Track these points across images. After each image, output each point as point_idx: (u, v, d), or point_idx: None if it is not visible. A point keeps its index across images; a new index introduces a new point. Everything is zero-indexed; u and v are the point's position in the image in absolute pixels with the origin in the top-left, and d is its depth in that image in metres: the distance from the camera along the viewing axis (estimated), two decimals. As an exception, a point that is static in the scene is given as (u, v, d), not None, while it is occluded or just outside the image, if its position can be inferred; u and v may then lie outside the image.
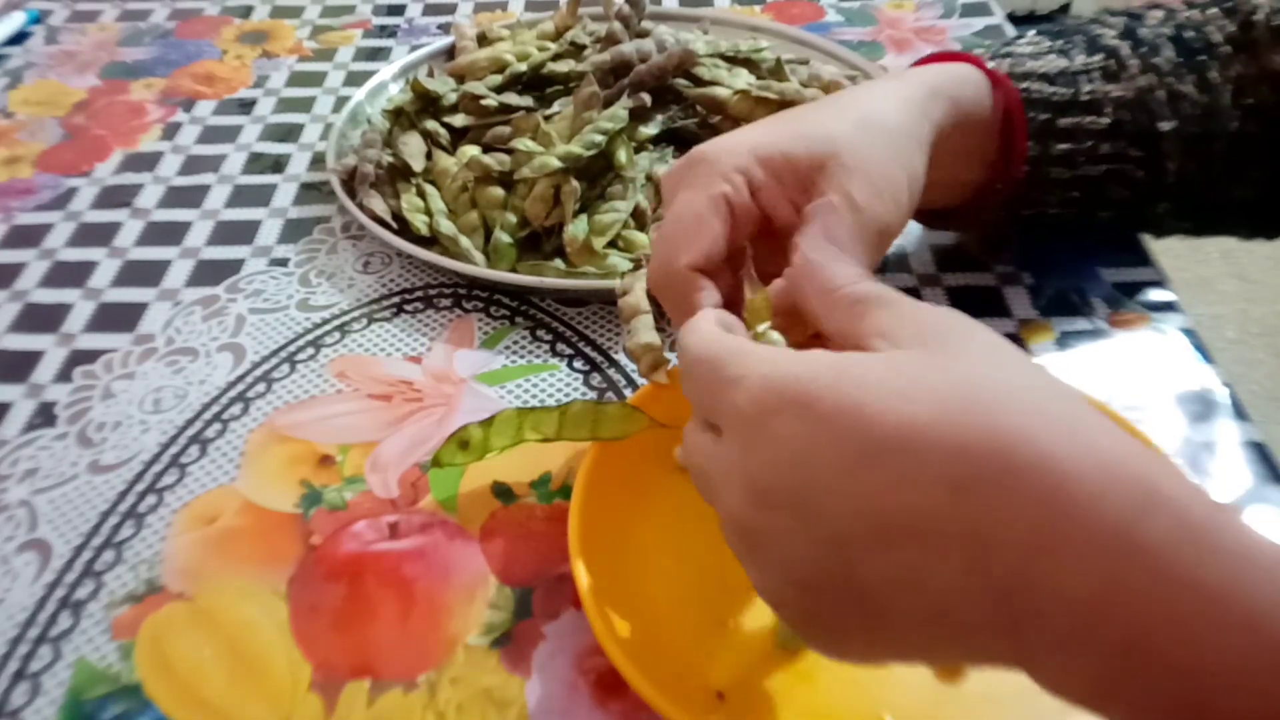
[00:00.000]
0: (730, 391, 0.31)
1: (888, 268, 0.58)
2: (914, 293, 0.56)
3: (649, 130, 0.61)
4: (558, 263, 0.56)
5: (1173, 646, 0.24)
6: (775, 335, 0.36)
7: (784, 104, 0.64)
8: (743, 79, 0.65)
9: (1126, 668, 0.25)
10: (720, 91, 0.63)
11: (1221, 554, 0.24)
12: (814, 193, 0.40)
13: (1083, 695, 0.26)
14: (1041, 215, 0.53)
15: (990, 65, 0.49)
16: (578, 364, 0.53)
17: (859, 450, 0.28)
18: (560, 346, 0.54)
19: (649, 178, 0.59)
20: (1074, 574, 0.25)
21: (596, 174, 0.59)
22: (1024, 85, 0.49)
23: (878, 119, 0.42)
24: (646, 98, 0.62)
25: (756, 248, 0.40)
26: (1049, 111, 0.49)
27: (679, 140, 0.63)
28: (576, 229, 0.56)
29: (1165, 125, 0.49)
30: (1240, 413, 0.49)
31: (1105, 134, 0.49)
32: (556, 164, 0.57)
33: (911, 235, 0.60)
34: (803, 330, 0.37)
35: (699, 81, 0.64)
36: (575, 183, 0.57)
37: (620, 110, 0.60)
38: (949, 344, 0.30)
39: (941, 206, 0.53)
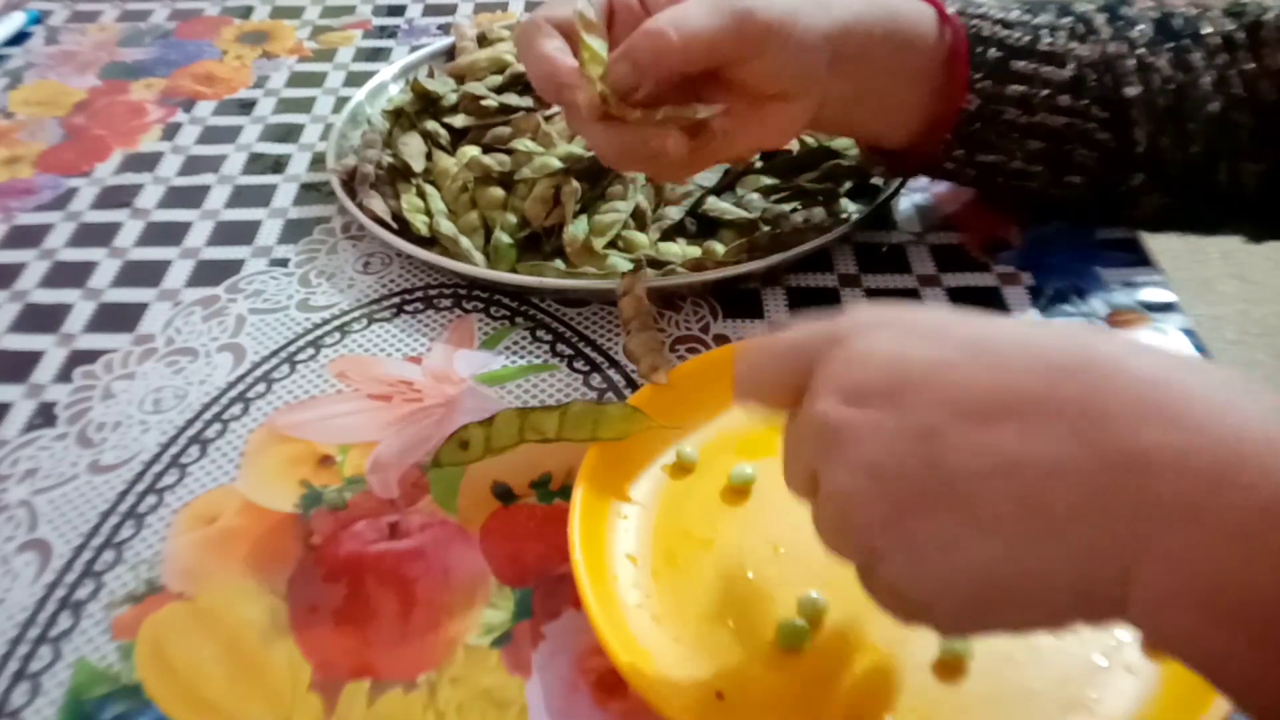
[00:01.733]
0: (826, 326, 0.32)
1: (888, 268, 0.58)
2: (914, 293, 0.56)
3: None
4: (558, 263, 0.56)
5: None
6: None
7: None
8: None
9: (1253, 550, 0.23)
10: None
11: None
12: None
13: (1200, 600, 0.24)
14: (1007, 170, 0.53)
15: (943, 4, 0.49)
16: (578, 364, 0.53)
17: (956, 347, 0.29)
18: (560, 347, 0.54)
19: (648, 179, 0.59)
20: (1192, 434, 0.24)
21: (597, 174, 0.59)
22: (973, 22, 0.49)
23: (810, 17, 0.45)
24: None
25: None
26: (1001, 51, 0.49)
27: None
28: (576, 229, 0.56)
29: (1131, 91, 0.49)
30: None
31: (1066, 87, 0.49)
32: (557, 164, 0.57)
33: (912, 235, 0.60)
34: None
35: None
36: (575, 183, 0.57)
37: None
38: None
39: (898, 145, 0.53)
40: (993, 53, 0.49)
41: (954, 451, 0.27)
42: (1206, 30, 0.50)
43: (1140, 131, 0.50)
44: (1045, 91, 0.49)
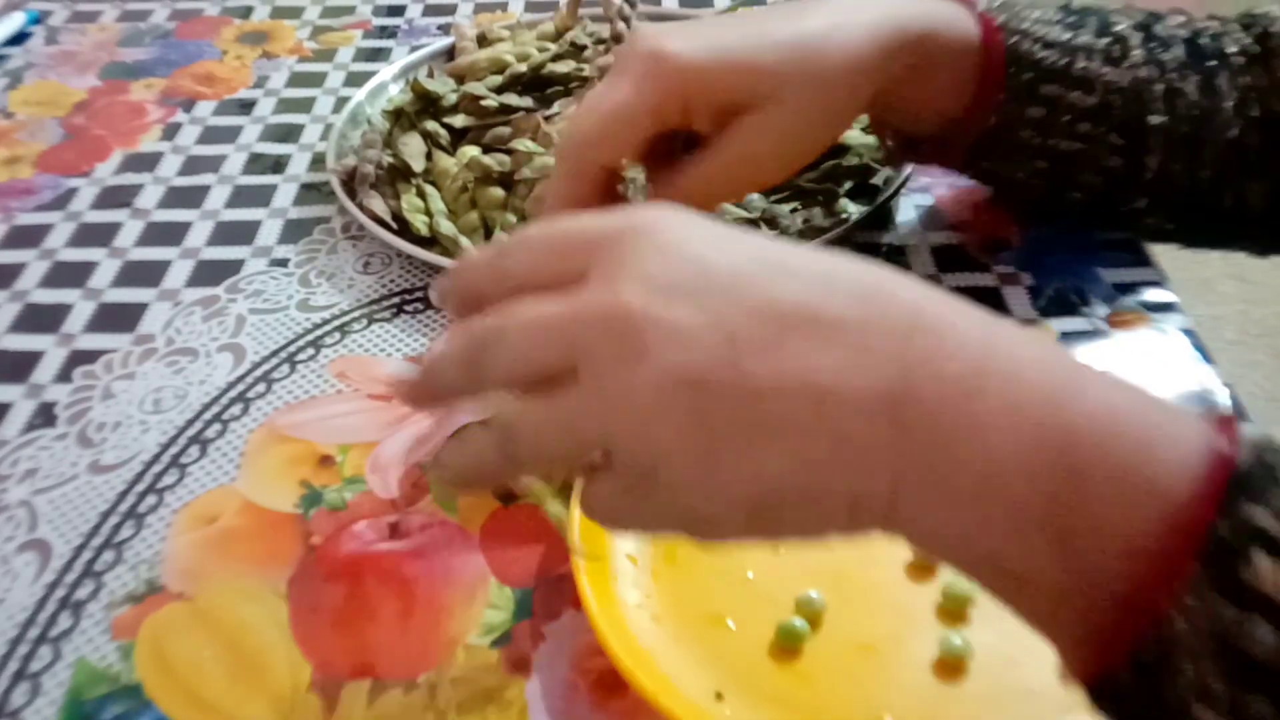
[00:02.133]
0: (641, 216, 0.30)
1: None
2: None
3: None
4: None
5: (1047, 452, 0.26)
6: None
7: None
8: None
9: (1002, 471, 0.26)
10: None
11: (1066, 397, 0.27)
12: (731, 119, 0.43)
13: (969, 495, 0.27)
14: (1006, 179, 0.53)
15: (984, 10, 0.49)
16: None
17: (756, 261, 0.29)
18: (560, 347, 0.54)
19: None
20: (953, 351, 0.27)
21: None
22: (1013, 41, 0.49)
23: (826, 54, 0.44)
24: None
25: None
26: (1033, 73, 0.49)
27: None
28: None
29: (1155, 119, 0.49)
30: (1240, 413, 0.49)
31: (1088, 114, 0.49)
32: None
33: (912, 235, 0.60)
34: None
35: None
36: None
37: None
38: None
39: (913, 134, 0.53)
40: (1026, 75, 0.49)
41: (756, 361, 0.27)
42: (1231, 50, 0.50)
43: (1153, 159, 0.50)
44: (1066, 118, 0.49)
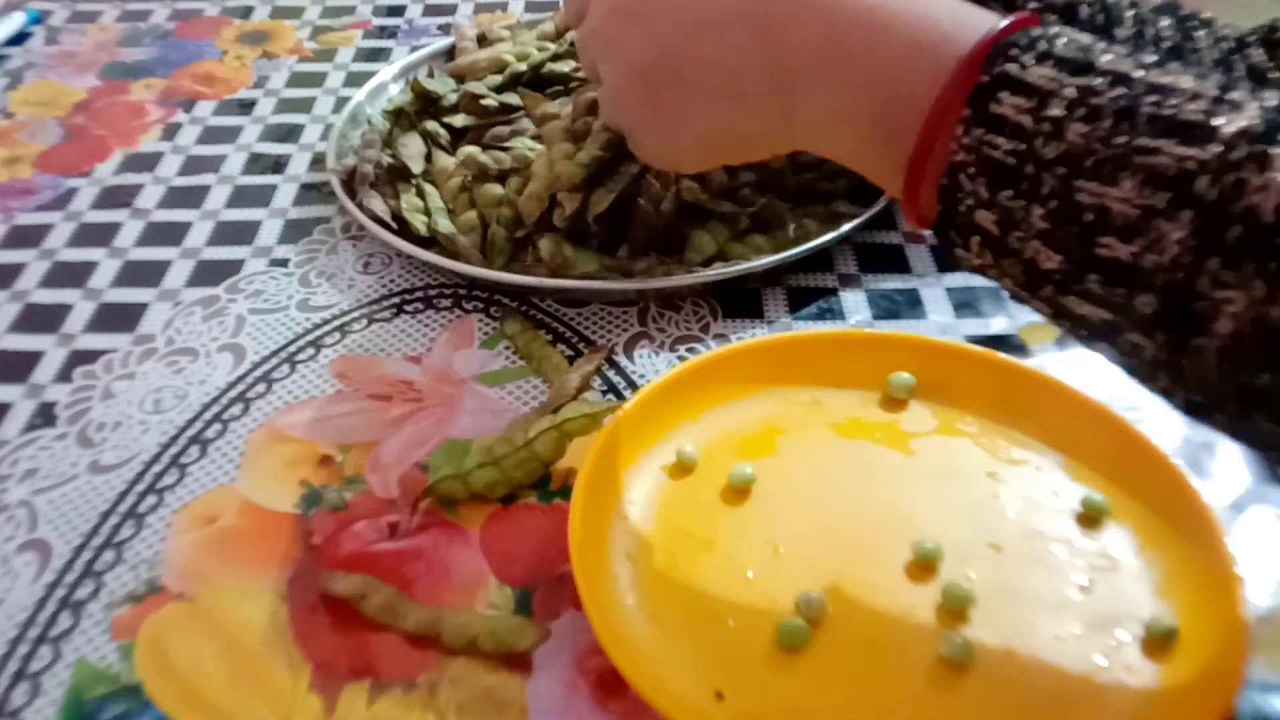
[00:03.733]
0: None
1: (887, 268, 0.58)
2: (912, 293, 0.56)
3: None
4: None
5: (864, 57, 0.36)
6: None
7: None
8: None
9: (847, 86, 0.37)
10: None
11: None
12: None
13: (828, 116, 0.38)
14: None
15: None
16: (578, 364, 0.52)
17: None
18: (560, 347, 0.54)
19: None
20: (810, 30, 0.38)
21: (595, 180, 0.59)
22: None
23: None
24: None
25: None
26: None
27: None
28: (551, 242, 0.56)
29: (1127, 14, 0.49)
30: (1240, 413, 0.49)
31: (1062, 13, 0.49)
32: (583, 172, 0.57)
33: (912, 235, 0.60)
34: None
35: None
36: (575, 204, 0.57)
37: None
38: None
39: None
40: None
41: (681, 52, 0.42)
42: (1219, 24, 0.50)
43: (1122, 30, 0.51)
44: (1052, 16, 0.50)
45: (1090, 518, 0.43)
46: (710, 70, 0.41)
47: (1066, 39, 0.32)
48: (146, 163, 0.69)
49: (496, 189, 0.60)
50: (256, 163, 0.69)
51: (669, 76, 0.42)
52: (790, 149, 0.42)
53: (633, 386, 0.51)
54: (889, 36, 0.36)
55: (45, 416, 0.51)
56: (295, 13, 0.87)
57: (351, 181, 0.62)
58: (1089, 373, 0.51)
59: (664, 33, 0.42)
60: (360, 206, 0.60)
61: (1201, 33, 0.49)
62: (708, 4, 0.40)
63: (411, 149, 0.63)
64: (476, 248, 0.57)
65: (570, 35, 0.71)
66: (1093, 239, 0.30)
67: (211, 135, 0.72)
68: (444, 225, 0.58)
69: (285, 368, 0.53)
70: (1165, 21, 0.49)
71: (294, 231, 0.62)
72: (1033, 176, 0.31)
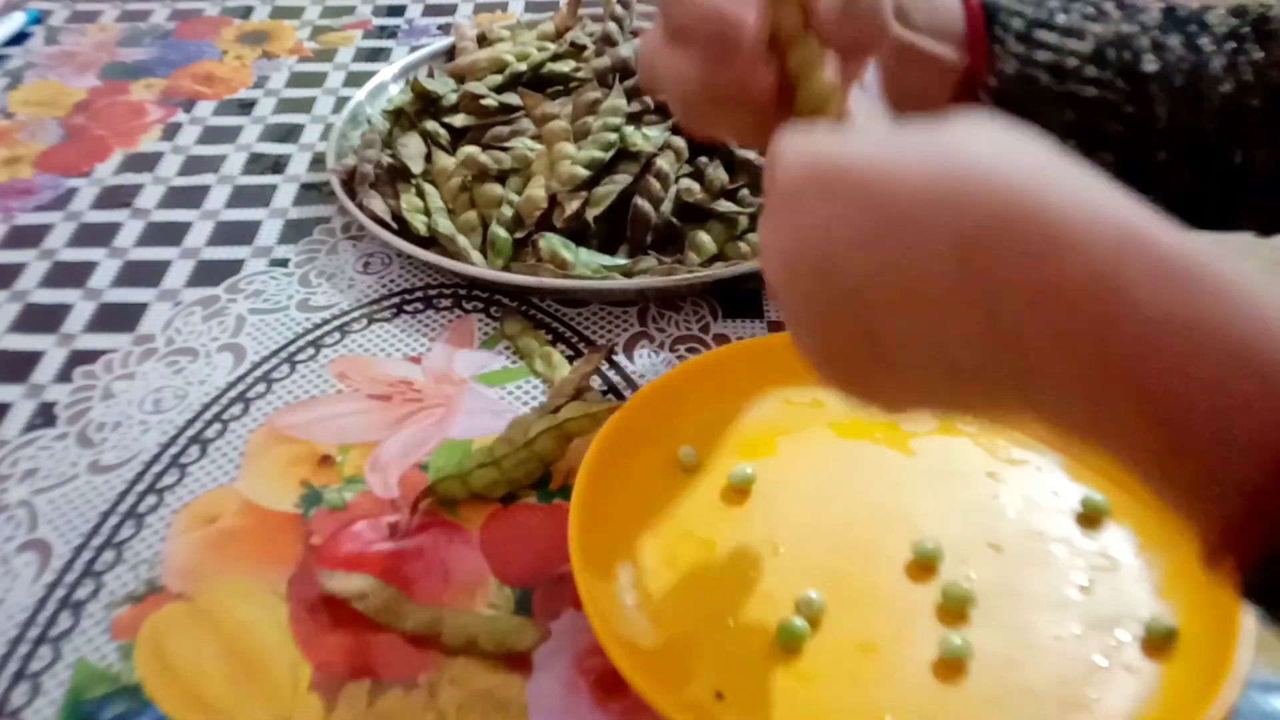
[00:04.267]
0: (776, 170, 0.33)
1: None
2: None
3: (653, 133, 0.60)
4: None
5: (1156, 377, 0.26)
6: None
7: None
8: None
9: (1114, 399, 0.27)
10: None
11: (1199, 292, 0.27)
12: None
13: (1081, 428, 0.29)
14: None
15: None
16: (578, 365, 0.52)
17: (875, 219, 0.30)
18: (560, 347, 0.54)
19: (667, 144, 0.60)
20: (1068, 319, 0.27)
21: (599, 170, 0.59)
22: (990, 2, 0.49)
23: None
24: (650, 101, 0.62)
25: None
26: (1023, 21, 0.49)
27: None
28: (551, 241, 0.56)
29: (1150, 66, 0.49)
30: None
31: (1090, 59, 0.49)
32: (583, 173, 0.57)
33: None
34: None
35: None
36: (575, 204, 0.57)
37: (618, 100, 0.60)
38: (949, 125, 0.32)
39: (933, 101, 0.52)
40: (1016, 21, 0.49)
41: (882, 324, 0.30)
42: (1212, 21, 0.51)
43: (1160, 108, 0.50)
44: (1073, 62, 0.50)
45: (1090, 518, 0.43)
46: (920, 349, 0.30)
47: None
48: (146, 163, 0.69)
49: (496, 189, 0.60)
50: (256, 163, 0.69)
51: (865, 349, 0.31)
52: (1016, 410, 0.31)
53: (633, 386, 0.51)
54: (1199, 346, 0.26)
55: (45, 416, 0.51)
56: (295, 13, 0.87)
57: (351, 181, 0.62)
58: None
59: (851, 297, 0.31)
60: (360, 206, 0.59)
61: None
62: (907, 270, 0.30)
63: (411, 149, 0.63)
64: (476, 248, 0.57)
65: (570, 35, 0.71)
66: None
67: (211, 135, 0.72)
68: (444, 225, 0.58)
69: (285, 368, 0.53)
70: None
71: (294, 231, 0.62)
72: None
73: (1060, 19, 0.50)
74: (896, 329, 0.30)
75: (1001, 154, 0.30)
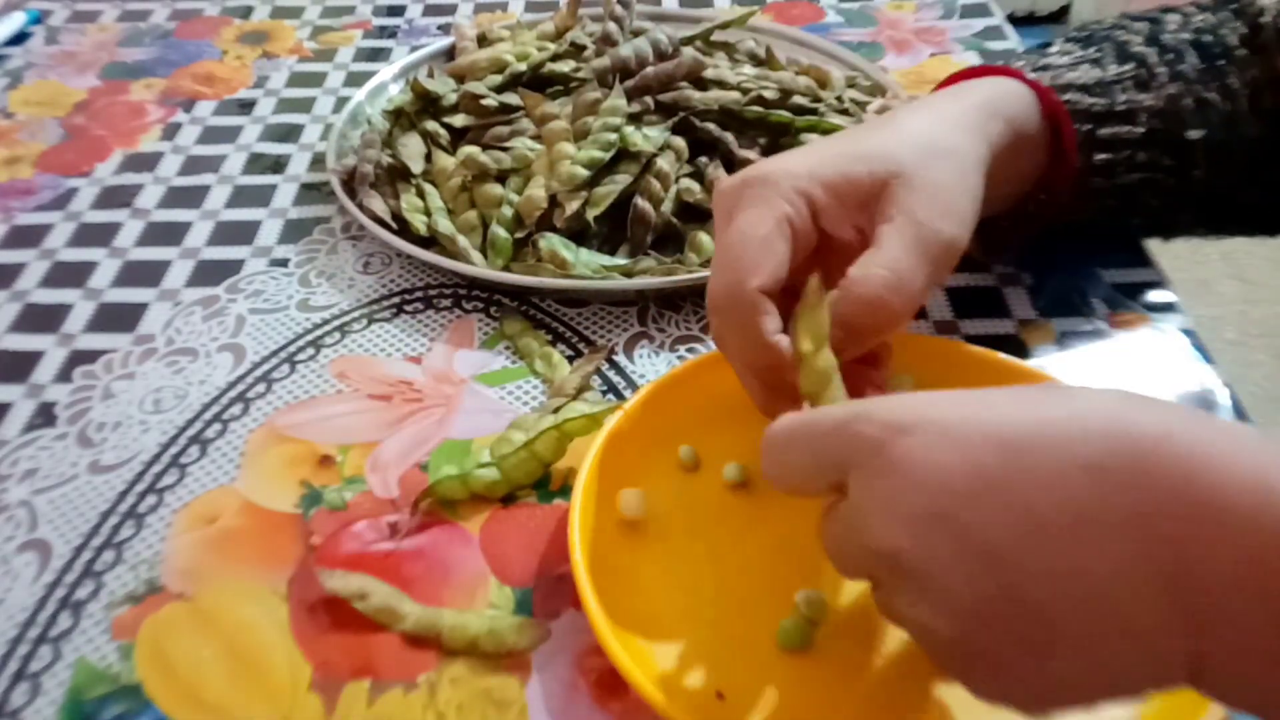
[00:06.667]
0: (855, 428, 0.31)
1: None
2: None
3: (653, 133, 0.61)
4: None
5: None
6: (832, 357, 0.36)
7: (785, 93, 0.65)
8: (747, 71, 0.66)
9: None
10: (727, 95, 0.63)
11: None
12: (875, 214, 0.40)
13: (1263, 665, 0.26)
14: (1076, 223, 0.53)
15: (1031, 77, 0.48)
16: (578, 364, 0.52)
17: (994, 454, 0.29)
18: (560, 347, 0.54)
19: (667, 144, 0.60)
20: (1232, 545, 0.26)
21: (599, 170, 0.59)
22: (1066, 97, 0.48)
23: (939, 142, 0.42)
24: (650, 101, 0.62)
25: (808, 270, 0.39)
26: (1090, 122, 0.49)
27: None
28: (551, 242, 0.56)
29: (1194, 134, 0.49)
30: (1240, 413, 0.49)
31: (1140, 143, 0.49)
32: (583, 173, 0.57)
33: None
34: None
35: (702, 82, 0.64)
36: (576, 204, 0.57)
37: (618, 100, 0.60)
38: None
39: (992, 214, 0.51)
40: (1084, 127, 0.49)
41: (1023, 575, 0.28)
42: (1232, 43, 0.51)
43: (1198, 171, 0.51)
44: (1125, 153, 0.49)
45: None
46: (1070, 597, 0.28)
47: None
48: (146, 163, 0.69)
49: (496, 189, 0.60)
50: (256, 163, 0.69)
51: (1010, 618, 0.28)
52: (1180, 687, 0.29)
53: (633, 386, 0.51)
54: None
55: (45, 416, 0.51)
56: (295, 13, 0.87)
57: (351, 181, 0.62)
58: (1089, 373, 0.51)
59: (985, 552, 0.28)
60: (360, 206, 0.60)
61: None
62: (1037, 502, 0.28)
63: (411, 149, 0.63)
64: (476, 248, 0.57)
65: (570, 35, 0.71)
66: None
67: (211, 135, 0.72)
68: (444, 225, 0.58)
69: (285, 368, 0.53)
70: None
71: (294, 231, 0.62)
72: None
73: (1121, 101, 0.49)
74: (1039, 578, 0.28)
75: (1117, 398, 0.29)
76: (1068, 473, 0.28)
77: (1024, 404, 0.30)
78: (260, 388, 0.52)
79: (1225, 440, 0.27)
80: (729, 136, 0.61)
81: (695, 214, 0.59)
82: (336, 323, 0.56)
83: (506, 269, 0.57)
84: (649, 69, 0.63)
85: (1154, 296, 0.55)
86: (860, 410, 0.32)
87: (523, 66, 0.67)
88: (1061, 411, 0.29)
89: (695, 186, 0.59)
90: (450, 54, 0.74)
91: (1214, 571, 0.26)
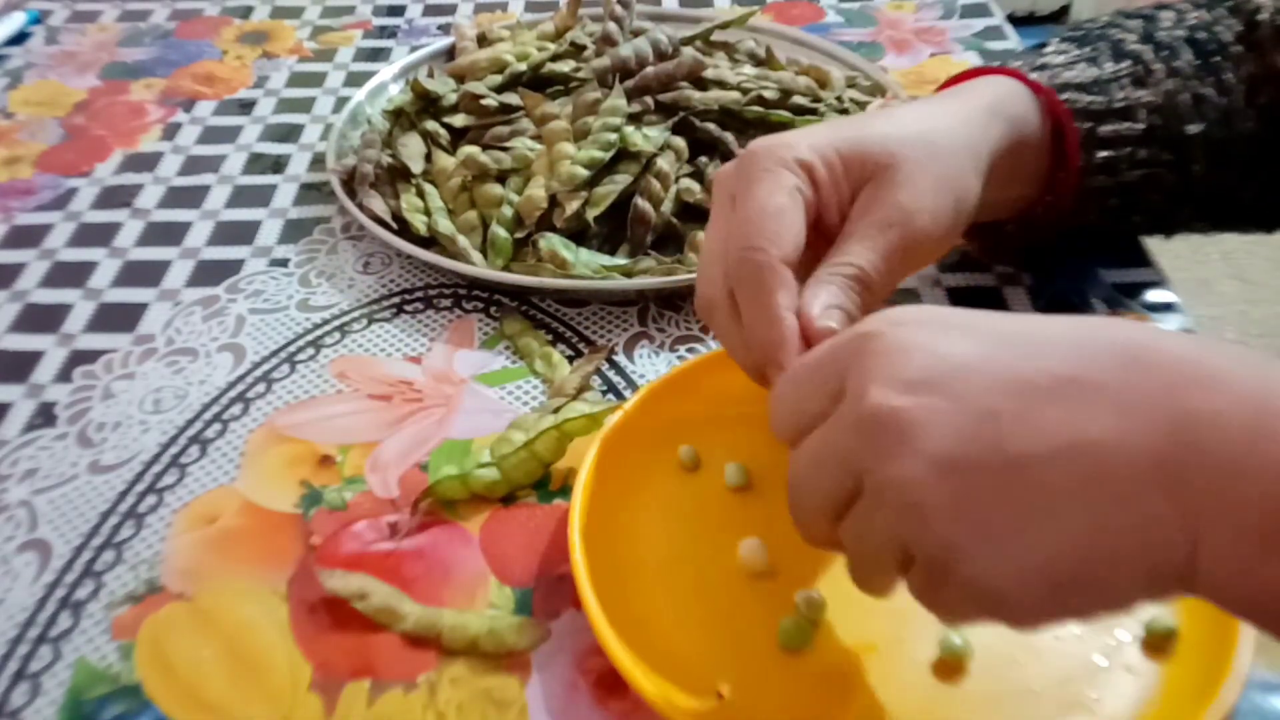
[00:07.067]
0: (854, 330, 0.32)
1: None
2: (913, 294, 0.56)
3: (653, 133, 0.61)
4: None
5: None
6: None
7: (785, 93, 0.65)
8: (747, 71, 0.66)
9: None
10: (727, 95, 0.63)
11: None
12: (861, 198, 0.40)
13: (1253, 559, 0.26)
14: (1083, 227, 0.53)
15: (1032, 78, 0.48)
16: (578, 364, 0.52)
17: (993, 341, 0.30)
18: (560, 347, 0.54)
19: (667, 144, 0.60)
20: (1228, 403, 0.27)
21: (599, 170, 0.59)
22: (1065, 96, 0.48)
23: (937, 136, 0.42)
24: (650, 101, 0.62)
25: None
26: (1090, 120, 0.49)
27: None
28: (551, 241, 0.56)
29: (1193, 129, 0.49)
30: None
31: (1140, 139, 0.49)
32: (583, 173, 0.57)
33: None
34: None
35: (702, 82, 0.64)
36: (576, 204, 0.57)
37: (618, 100, 0.60)
38: None
39: (985, 221, 0.51)
40: (1084, 125, 0.49)
41: (1017, 433, 0.28)
42: (1227, 39, 0.51)
43: (1198, 167, 0.50)
44: (1126, 150, 0.49)
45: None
46: (1060, 456, 0.27)
47: None
48: (146, 163, 0.69)
49: (496, 189, 0.60)
50: (256, 163, 0.69)
51: (997, 474, 0.28)
52: (1183, 592, 0.28)
53: (633, 386, 0.51)
54: None
55: (45, 416, 0.51)
56: (295, 13, 0.87)
57: (351, 181, 0.62)
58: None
59: (980, 410, 0.28)
60: (360, 206, 0.60)
61: None
62: (1034, 371, 0.28)
63: (411, 149, 0.63)
64: (476, 248, 0.57)
65: (570, 35, 0.71)
66: None
67: (211, 135, 0.72)
68: (444, 225, 0.58)
69: (285, 368, 0.53)
70: None
71: (294, 231, 0.62)
72: None
73: (1119, 99, 0.49)
74: (1030, 437, 0.28)
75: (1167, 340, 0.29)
76: (1059, 345, 0.29)
77: (1017, 316, 0.31)
78: (260, 388, 0.52)
79: (1220, 349, 0.28)
80: (729, 136, 0.61)
81: (695, 214, 0.59)
82: (336, 323, 0.56)
83: (506, 269, 0.57)
84: (649, 69, 0.63)
85: (1154, 296, 0.55)
86: (858, 325, 0.33)
87: (523, 66, 0.67)
88: (1053, 319, 0.31)
89: (695, 186, 0.59)
90: (450, 54, 0.74)
91: (1212, 453, 0.26)
